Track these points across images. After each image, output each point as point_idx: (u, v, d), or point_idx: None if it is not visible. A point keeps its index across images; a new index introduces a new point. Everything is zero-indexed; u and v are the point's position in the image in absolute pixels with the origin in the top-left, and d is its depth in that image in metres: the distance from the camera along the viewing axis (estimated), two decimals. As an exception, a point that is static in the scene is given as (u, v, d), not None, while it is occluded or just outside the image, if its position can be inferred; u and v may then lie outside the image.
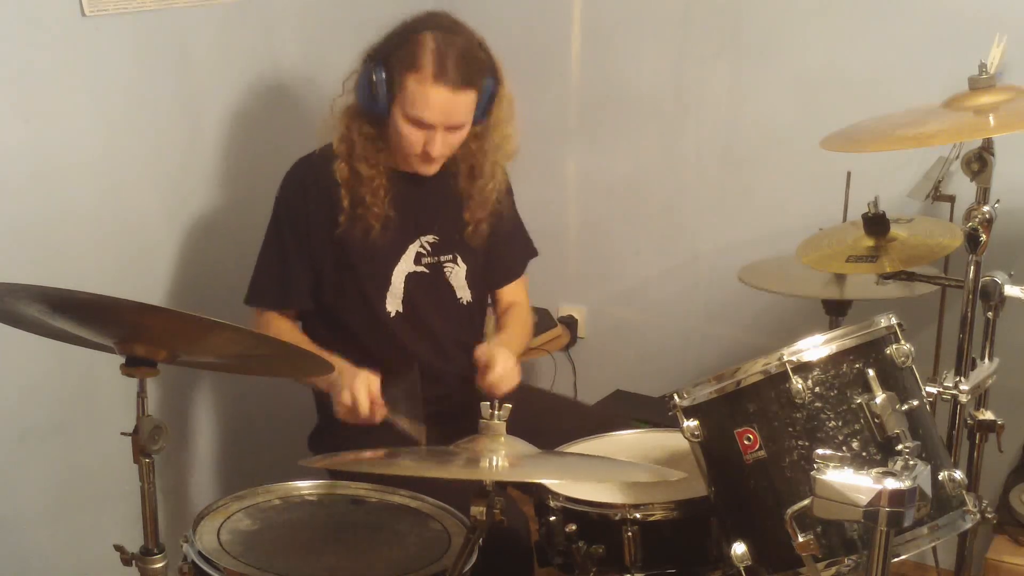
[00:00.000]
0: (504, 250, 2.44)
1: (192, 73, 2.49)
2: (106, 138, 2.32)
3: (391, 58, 2.14)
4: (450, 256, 2.33)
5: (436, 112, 2.12)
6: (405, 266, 2.29)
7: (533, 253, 2.54)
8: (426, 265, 2.31)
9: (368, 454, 1.81)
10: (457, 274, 2.35)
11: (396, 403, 2.09)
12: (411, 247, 2.29)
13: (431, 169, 2.24)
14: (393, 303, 2.29)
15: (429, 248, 2.31)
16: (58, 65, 2.20)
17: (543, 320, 3.11)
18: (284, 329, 2.29)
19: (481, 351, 2.20)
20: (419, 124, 2.13)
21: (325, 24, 2.79)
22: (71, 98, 2.24)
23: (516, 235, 2.49)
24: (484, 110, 2.21)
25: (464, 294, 2.37)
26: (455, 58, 2.10)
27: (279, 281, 2.28)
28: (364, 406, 2.06)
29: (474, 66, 2.14)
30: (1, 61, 2.11)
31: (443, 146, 2.17)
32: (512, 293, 2.50)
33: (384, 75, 2.13)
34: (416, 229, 2.30)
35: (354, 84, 2.21)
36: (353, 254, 2.25)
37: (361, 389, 2.06)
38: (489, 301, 2.51)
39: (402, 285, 2.28)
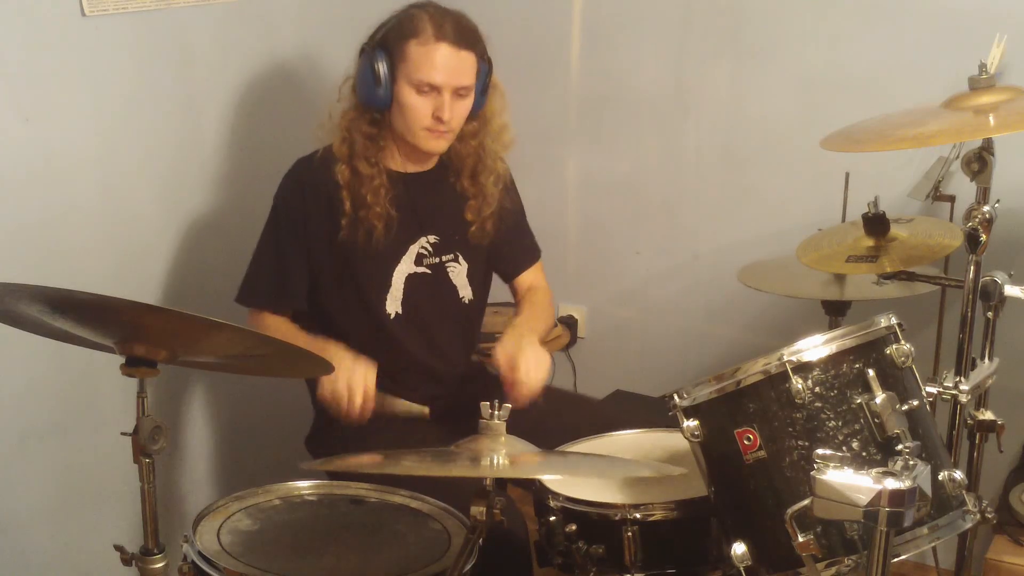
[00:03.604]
0: (514, 241, 2.44)
1: (192, 73, 2.49)
2: (106, 138, 2.32)
3: (387, 38, 2.16)
4: (452, 255, 2.33)
5: (442, 70, 2.14)
6: (405, 267, 2.28)
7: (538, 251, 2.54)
8: (428, 266, 2.31)
9: (367, 458, 1.81)
10: (459, 273, 2.35)
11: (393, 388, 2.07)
12: (412, 248, 2.29)
13: (441, 145, 2.23)
14: (393, 305, 2.28)
15: (431, 248, 2.31)
16: (58, 65, 2.20)
17: (543, 320, 3.10)
18: (277, 324, 2.27)
19: (500, 352, 2.13)
20: (427, 90, 2.15)
21: (325, 23, 2.79)
22: (71, 98, 2.24)
23: (523, 228, 2.49)
24: (480, 99, 2.23)
25: (466, 292, 2.37)
26: (452, 22, 2.16)
27: (275, 281, 2.28)
28: (356, 401, 2.05)
29: (470, 30, 2.19)
30: (1, 61, 2.11)
31: (452, 113, 2.17)
32: (530, 278, 2.49)
33: (383, 56, 2.15)
34: (418, 230, 2.29)
35: (352, 85, 2.22)
36: (354, 257, 2.24)
37: (358, 384, 2.06)
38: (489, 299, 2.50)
39: (402, 286, 2.28)
